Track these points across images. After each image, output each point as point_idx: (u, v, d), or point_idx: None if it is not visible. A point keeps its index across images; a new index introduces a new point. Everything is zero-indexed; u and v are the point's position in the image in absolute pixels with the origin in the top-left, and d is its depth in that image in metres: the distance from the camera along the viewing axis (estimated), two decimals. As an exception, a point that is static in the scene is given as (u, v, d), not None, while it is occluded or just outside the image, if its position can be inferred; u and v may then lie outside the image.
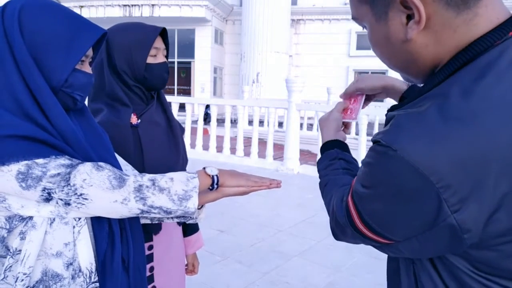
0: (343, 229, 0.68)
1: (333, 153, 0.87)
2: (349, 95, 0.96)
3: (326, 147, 0.90)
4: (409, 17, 0.57)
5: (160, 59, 1.24)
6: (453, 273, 0.57)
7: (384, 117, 0.63)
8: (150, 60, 1.22)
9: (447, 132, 0.50)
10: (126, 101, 1.20)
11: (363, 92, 0.94)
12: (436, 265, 0.60)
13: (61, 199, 0.77)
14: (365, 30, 0.66)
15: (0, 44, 0.78)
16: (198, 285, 2.60)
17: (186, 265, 1.52)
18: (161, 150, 1.25)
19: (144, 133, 1.22)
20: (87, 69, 0.88)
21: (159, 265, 1.25)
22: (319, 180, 0.88)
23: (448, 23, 0.55)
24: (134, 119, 1.21)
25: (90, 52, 0.88)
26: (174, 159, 1.30)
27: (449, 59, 0.57)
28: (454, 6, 0.54)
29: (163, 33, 1.26)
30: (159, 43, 1.23)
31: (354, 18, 0.67)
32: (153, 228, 1.22)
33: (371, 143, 0.60)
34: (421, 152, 0.50)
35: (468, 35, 0.55)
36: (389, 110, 0.66)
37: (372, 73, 17.78)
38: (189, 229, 1.48)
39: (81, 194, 0.77)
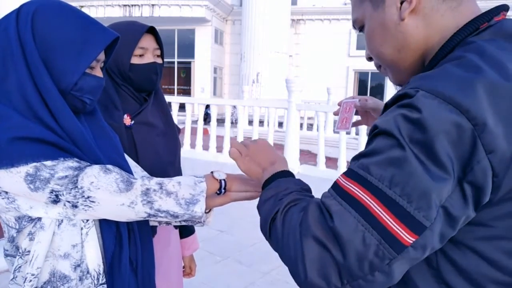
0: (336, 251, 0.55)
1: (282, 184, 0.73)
2: (346, 105, 1.07)
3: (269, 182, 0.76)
4: (402, 3, 0.66)
5: (147, 59, 1.21)
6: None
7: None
8: (135, 60, 1.19)
9: (473, 76, 0.54)
10: (117, 102, 1.19)
11: (369, 110, 1.05)
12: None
13: (68, 202, 0.78)
14: (362, 33, 0.74)
15: (14, 46, 0.79)
16: (198, 285, 2.60)
17: (184, 267, 1.51)
18: (155, 151, 1.24)
19: (138, 134, 1.21)
20: (98, 73, 0.88)
21: (157, 267, 1.25)
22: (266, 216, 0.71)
23: (436, 8, 0.64)
24: (127, 120, 1.20)
25: (101, 56, 0.88)
26: (170, 160, 1.29)
27: (444, 42, 0.64)
28: None
29: (156, 33, 1.23)
30: (147, 42, 1.21)
31: (354, 22, 0.75)
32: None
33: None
34: (452, 91, 0.53)
35: (454, 20, 0.64)
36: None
37: (372, 73, 17.80)
38: (185, 231, 1.46)
39: (88, 197, 0.78)
